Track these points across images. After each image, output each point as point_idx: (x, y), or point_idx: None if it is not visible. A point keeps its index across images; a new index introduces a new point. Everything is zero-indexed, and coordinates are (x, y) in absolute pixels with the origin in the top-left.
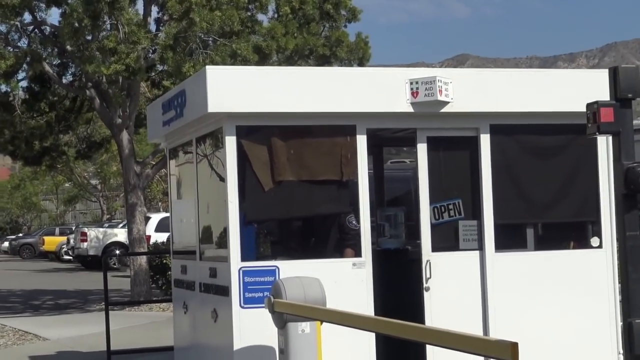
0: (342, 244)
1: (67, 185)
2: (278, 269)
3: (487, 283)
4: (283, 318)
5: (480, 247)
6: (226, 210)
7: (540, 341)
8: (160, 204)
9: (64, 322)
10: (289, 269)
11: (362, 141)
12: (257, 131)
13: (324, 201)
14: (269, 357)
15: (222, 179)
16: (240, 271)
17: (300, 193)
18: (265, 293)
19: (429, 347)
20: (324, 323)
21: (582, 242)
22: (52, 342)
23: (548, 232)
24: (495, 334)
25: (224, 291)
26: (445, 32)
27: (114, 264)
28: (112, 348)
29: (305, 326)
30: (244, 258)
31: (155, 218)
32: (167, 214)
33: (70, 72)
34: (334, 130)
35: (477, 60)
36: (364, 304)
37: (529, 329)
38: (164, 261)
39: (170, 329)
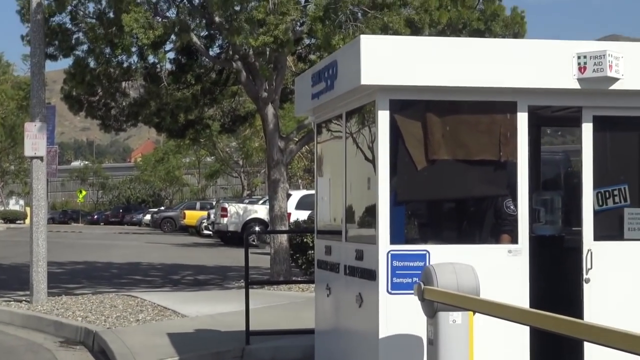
0: (498, 229)
1: (209, 159)
2: (428, 253)
3: None
4: (433, 307)
5: None
6: (376, 189)
7: None
8: (300, 181)
9: (203, 298)
10: (440, 254)
11: (522, 119)
12: (411, 106)
13: (479, 182)
14: (416, 347)
15: (373, 156)
16: (389, 254)
17: (455, 173)
18: (415, 279)
19: (587, 345)
20: (476, 314)
21: None
22: (190, 319)
23: None
24: None
25: (371, 275)
26: (593, 10)
27: (253, 241)
28: (250, 328)
29: (457, 316)
30: (393, 241)
31: (296, 195)
32: (308, 192)
33: (217, 44)
34: (493, 107)
35: (628, 40)
36: (518, 294)
37: None
38: (305, 240)
39: (309, 310)
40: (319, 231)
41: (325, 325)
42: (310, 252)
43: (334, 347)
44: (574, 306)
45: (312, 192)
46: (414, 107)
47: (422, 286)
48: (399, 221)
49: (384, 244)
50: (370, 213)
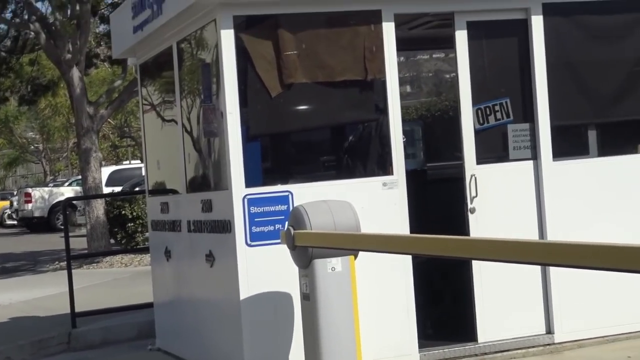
0: (370, 160)
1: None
2: (291, 194)
3: (545, 200)
4: (307, 254)
5: (535, 156)
6: (224, 124)
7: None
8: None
9: (15, 285)
10: (304, 195)
11: (389, 30)
12: (259, 22)
13: (345, 108)
14: (286, 306)
15: (217, 86)
16: (245, 200)
17: (316, 98)
18: (278, 226)
19: (476, 279)
20: (357, 259)
21: None
22: (2, 308)
23: (613, 133)
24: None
25: (224, 227)
26: None
27: (61, 224)
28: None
29: (336, 263)
30: (248, 183)
31: (106, 172)
32: (119, 167)
33: (10, 10)
34: (354, 18)
35: None
36: (398, 232)
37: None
38: (123, 212)
39: (138, 284)
40: (151, 191)
41: (167, 296)
42: (129, 224)
43: (179, 320)
44: None
45: (123, 166)
46: (263, 23)
47: (293, 231)
48: (255, 160)
49: (239, 188)
50: (218, 154)
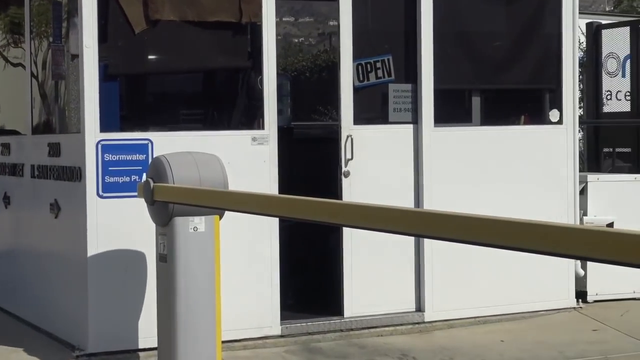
0: (239, 111)
1: None
2: (151, 143)
3: (424, 167)
4: (168, 210)
5: (415, 120)
6: (79, 59)
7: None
8: None
9: None
10: (167, 145)
11: None
12: None
13: (215, 52)
14: (140, 266)
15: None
16: (99, 146)
17: (185, 38)
18: (134, 177)
19: (346, 248)
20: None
21: (538, 116)
22: None
23: (497, 102)
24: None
25: (73, 174)
26: None
27: None
28: None
29: (200, 222)
30: (104, 128)
31: None
32: None
33: None
34: None
35: None
36: (266, 188)
37: None
38: None
39: None
40: None
41: (3, 246)
42: None
43: (16, 273)
44: None
45: None
46: None
47: (152, 183)
48: (112, 102)
49: (92, 132)
50: (71, 94)
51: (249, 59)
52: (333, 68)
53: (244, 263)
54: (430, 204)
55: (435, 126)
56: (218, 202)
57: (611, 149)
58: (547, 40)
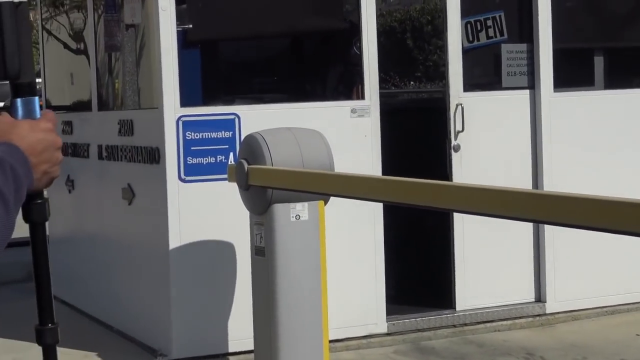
0: (336, 79)
1: None
2: (238, 118)
3: (542, 138)
4: (266, 196)
5: (532, 85)
6: (153, 23)
7: None
8: None
9: None
10: (255, 120)
11: None
12: None
13: (307, 11)
14: (229, 260)
15: None
16: (180, 122)
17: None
18: (221, 157)
19: (457, 233)
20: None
21: None
22: None
23: (621, 62)
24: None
25: (150, 156)
26: None
27: None
28: None
29: (302, 209)
30: (184, 102)
31: None
32: None
33: None
34: None
35: None
36: (369, 167)
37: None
38: None
39: None
40: (48, 107)
41: (66, 234)
42: None
43: (80, 264)
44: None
45: None
46: None
47: (246, 166)
48: (193, 73)
49: (171, 108)
50: (145, 64)
51: (345, 20)
52: (433, 27)
53: (345, 250)
54: (550, 181)
55: (554, 91)
56: (326, 186)
57: None
58: None
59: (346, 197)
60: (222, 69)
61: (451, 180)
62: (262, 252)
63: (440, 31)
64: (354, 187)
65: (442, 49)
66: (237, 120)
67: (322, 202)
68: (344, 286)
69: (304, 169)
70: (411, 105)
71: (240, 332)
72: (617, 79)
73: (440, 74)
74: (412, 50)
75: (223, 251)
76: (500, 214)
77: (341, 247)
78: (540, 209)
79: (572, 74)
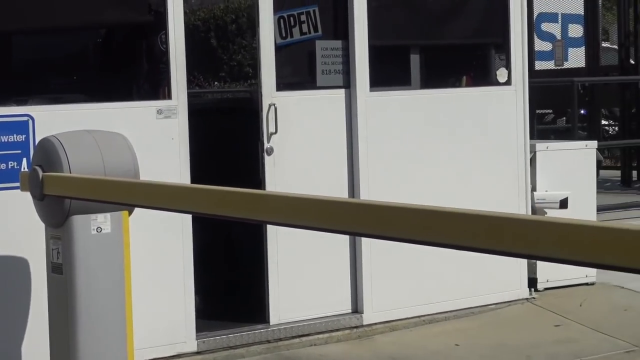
0: (140, 77)
1: None
2: (32, 120)
3: (359, 140)
4: (63, 207)
5: (348, 84)
6: None
7: None
8: None
9: None
10: (52, 121)
11: None
12: None
13: (110, 3)
14: (23, 278)
15: None
16: None
17: None
18: (12, 164)
19: (270, 242)
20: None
21: (483, 76)
22: None
23: (438, 60)
24: None
25: None
26: None
27: None
28: None
29: (104, 221)
30: None
31: None
32: None
33: None
34: None
35: None
36: (176, 173)
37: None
38: None
39: None
40: None
41: None
42: None
43: None
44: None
45: None
46: None
47: (41, 173)
48: None
49: None
50: None
51: (150, 13)
52: (237, 26)
53: (152, 264)
54: (368, 185)
55: (371, 91)
56: (129, 196)
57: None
58: None
59: (151, 208)
60: (14, 66)
61: (264, 185)
62: (60, 269)
63: (244, 30)
64: (160, 197)
65: (247, 48)
66: (30, 122)
67: (126, 212)
68: (151, 303)
69: (105, 177)
70: (222, 105)
71: (36, 358)
72: (435, 78)
73: (244, 74)
74: (216, 50)
75: (14, 269)
76: (317, 226)
77: (147, 260)
78: (357, 220)
79: (388, 73)
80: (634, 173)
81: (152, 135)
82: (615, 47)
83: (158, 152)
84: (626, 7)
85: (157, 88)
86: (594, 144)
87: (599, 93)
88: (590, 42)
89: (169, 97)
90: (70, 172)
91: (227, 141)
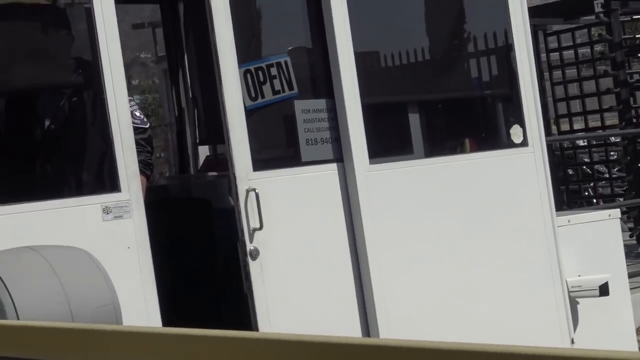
0: (88, 168)
1: None
2: None
3: (364, 227)
4: None
5: (340, 157)
6: None
7: (460, 311)
8: None
9: None
10: None
11: None
12: None
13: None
14: None
15: None
16: None
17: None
18: None
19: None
20: None
21: (496, 138)
22: None
23: (443, 121)
24: (386, 313)
25: None
26: None
27: None
28: None
29: None
30: None
31: None
32: None
33: None
34: None
35: None
36: (139, 300)
37: (437, 295)
38: None
39: None
40: None
41: None
42: None
43: None
44: (235, 306)
45: None
46: None
47: None
48: None
49: None
50: None
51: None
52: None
53: None
54: (378, 277)
55: (371, 163)
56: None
57: None
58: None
59: None
60: None
61: (252, 300)
62: None
63: None
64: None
65: None
66: None
67: None
68: None
69: (72, 322)
70: (186, 195)
71: None
72: (437, 145)
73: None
74: None
75: None
76: None
77: None
78: None
79: (390, 138)
80: None
81: (96, 244)
82: None
83: (109, 265)
84: None
85: (103, 178)
86: (617, 212)
87: None
88: None
89: (118, 189)
90: (18, 316)
91: (199, 240)
